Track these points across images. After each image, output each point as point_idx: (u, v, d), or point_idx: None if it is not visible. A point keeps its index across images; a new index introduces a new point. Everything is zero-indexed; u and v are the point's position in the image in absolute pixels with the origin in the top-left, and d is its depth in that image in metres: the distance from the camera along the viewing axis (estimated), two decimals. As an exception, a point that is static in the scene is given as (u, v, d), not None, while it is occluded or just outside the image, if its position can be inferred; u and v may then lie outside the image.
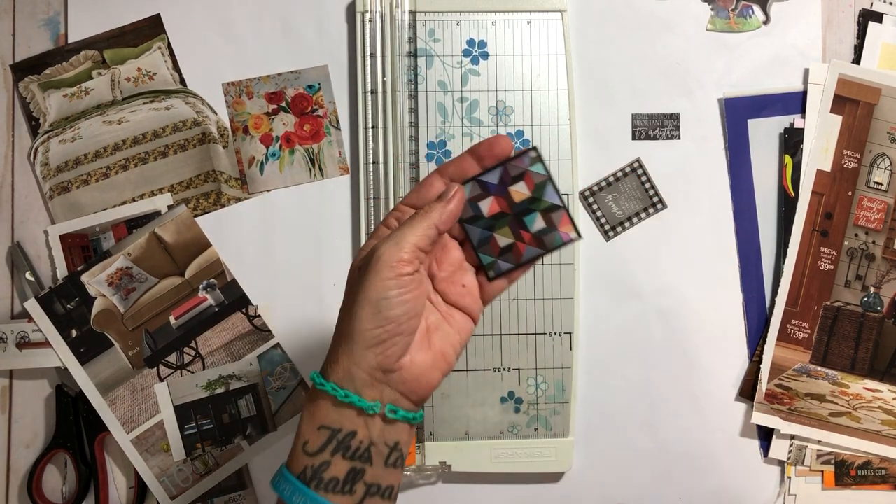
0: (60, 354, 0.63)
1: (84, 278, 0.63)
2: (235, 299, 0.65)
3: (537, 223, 0.46)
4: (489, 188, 0.45)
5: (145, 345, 0.63)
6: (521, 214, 0.46)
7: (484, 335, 0.64)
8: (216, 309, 0.64)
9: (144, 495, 0.64)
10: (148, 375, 0.64)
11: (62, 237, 0.64)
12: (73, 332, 0.63)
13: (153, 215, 0.64)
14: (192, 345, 0.64)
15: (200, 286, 0.64)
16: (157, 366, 0.64)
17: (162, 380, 0.64)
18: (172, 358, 0.64)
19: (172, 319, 0.64)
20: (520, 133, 0.64)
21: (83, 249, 0.64)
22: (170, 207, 0.64)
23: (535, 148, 0.46)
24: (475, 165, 0.45)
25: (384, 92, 0.64)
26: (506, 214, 0.46)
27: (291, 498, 0.40)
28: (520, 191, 0.45)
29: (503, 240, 0.46)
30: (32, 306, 0.63)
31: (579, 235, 0.46)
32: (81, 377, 0.63)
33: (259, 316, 0.65)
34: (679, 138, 0.66)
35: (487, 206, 0.46)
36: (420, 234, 0.42)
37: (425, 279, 0.43)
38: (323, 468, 0.40)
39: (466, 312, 0.45)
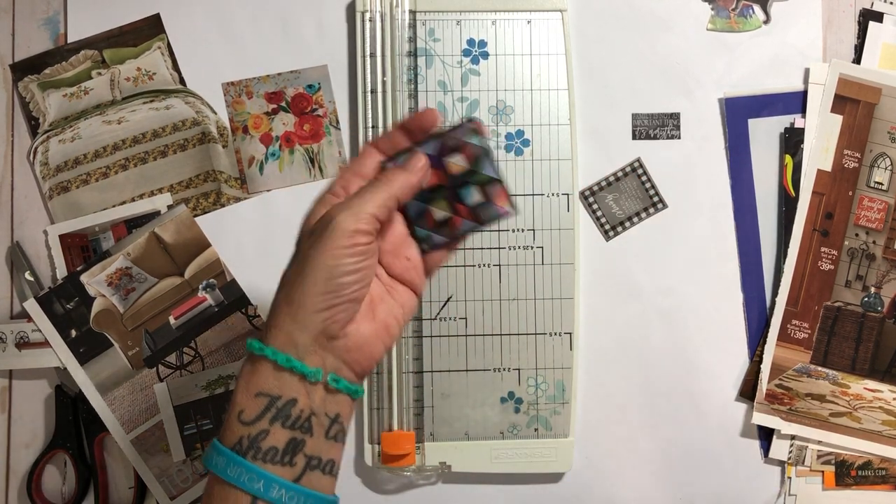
0: (60, 354, 0.63)
1: (83, 278, 0.63)
2: (235, 299, 0.65)
3: (474, 196, 0.45)
4: (433, 161, 0.45)
5: (145, 345, 0.63)
6: (458, 187, 0.45)
7: (484, 335, 0.64)
8: (216, 309, 0.64)
9: (144, 495, 0.64)
10: (147, 375, 0.64)
11: (62, 237, 0.64)
12: (73, 332, 0.63)
13: (153, 215, 0.64)
14: (192, 345, 0.64)
15: (200, 286, 0.64)
16: (156, 366, 0.64)
17: (162, 380, 0.64)
18: (172, 358, 0.64)
19: (172, 319, 0.64)
20: (520, 133, 0.64)
21: (83, 249, 0.64)
22: (169, 207, 0.64)
23: (472, 119, 0.45)
24: (405, 140, 0.44)
25: (384, 92, 0.63)
26: (442, 187, 0.45)
27: (226, 471, 0.38)
28: (457, 163, 0.45)
29: (439, 213, 0.45)
30: (32, 306, 0.63)
31: (515, 210, 0.46)
32: (81, 377, 0.63)
33: (259, 316, 0.65)
34: (679, 138, 0.66)
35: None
36: (380, 203, 0.41)
37: (377, 249, 0.43)
38: (261, 437, 0.38)
39: (410, 286, 0.44)
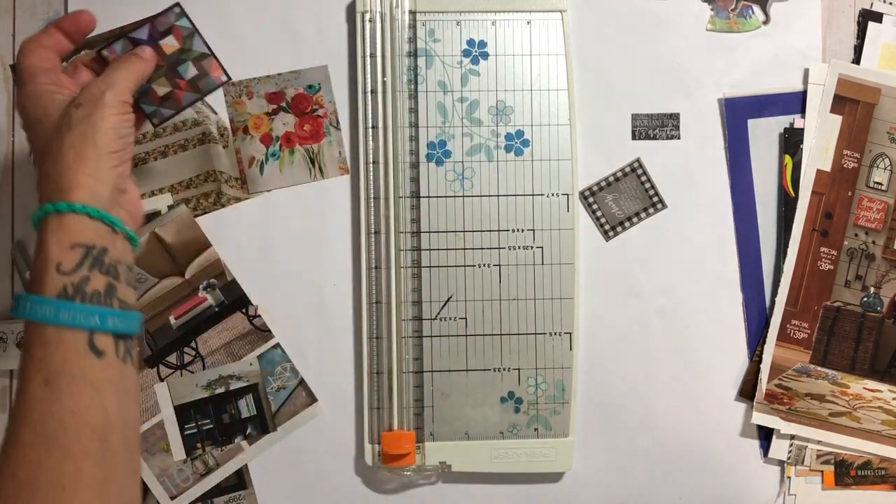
0: None
1: None
2: (235, 299, 0.65)
3: (190, 71, 0.54)
4: (140, 44, 0.53)
5: (145, 345, 0.63)
6: (175, 65, 0.53)
7: (484, 335, 0.64)
8: (216, 309, 0.64)
9: (144, 495, 0.64)
10: (148, 375, 0.64)
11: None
12: None
13: (153, 215, 0.64)
14: (192, 345, 0.64)
15: (200, 286, 0.64)
16: (157, 366, 0.64)
17: (162, 380, 0.64)
18: (172, 358, 0.64)
19: (172, 319, 0.64)
20: (520, 133, 0.64)
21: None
22: (170, 207, 0.65)
23: (177, 4, 0.53)
24: (65, 41, 0.51)
25: (384, 92, 0.64)
26: (160, 67, 0.53)
27: (57, 316, 0.41)
28: (170, 44, 0.53)
29: (161, 89, 0.53)
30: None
31: (229, 77, 0.54)
32: None
33: (259, 316, 0.65)
34: (679, 138, 0.66)
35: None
36: (130, 83, 0.49)
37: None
38: (84, 283, 0.42)
39: None
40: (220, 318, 0.65)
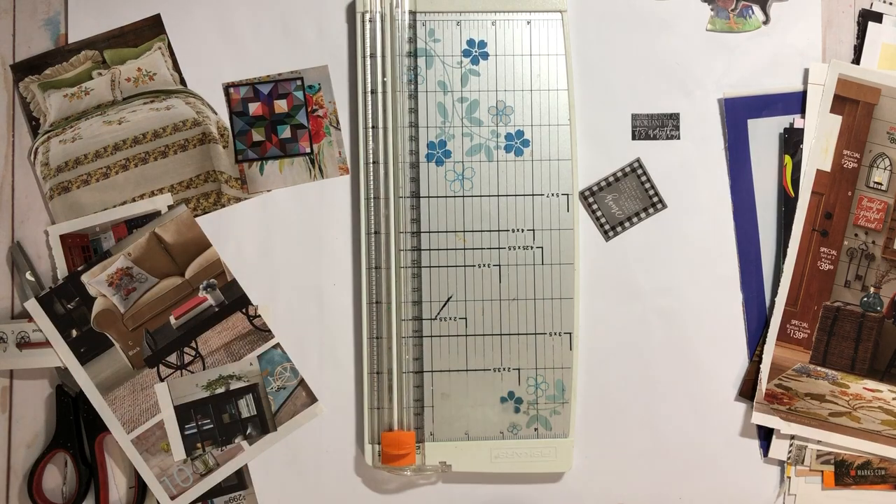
0: (61, 355, 0.63)
1: (84, 278, 0.63)
2: (235, 299, 0.65)
3: (285, 133, 0.64)
4: (260, 95, 0.63)
5: (145, 345, 0.64)
6: (276, 123, 0.64)
7: (484, 335, 0.64)
8: (216, 309, 0.65)
9: (144, 495, 0.64)
10: (148, 375, 0.64)
11: (62, 237, 0.64)
12: (74, 332, 0.63)
13: (153, 215, 0.64)
14: (193, 345, 0.64)
15: (200, 286, 0.64)
16: (157, 366, 0.64)
17: (162, 380, 0.64)
18: (173, 358, 0.64)
19: (173, 319, 0.64)
20: (520, 133, 0.64)
21: (83, 249, 0.64)
22: (170, 207, 0.65)
23: (301, 77, 0.63)
24: None
25: (384, 92, 0.64)
26: (264, 118, 0.64)
27: None
28: (281, 105, 0.64)
29: (257, 136, 0.64)
30: (33, 306, 0.63)
31: (312, 151, 0.63)
32: (82, 377, 0.63)
33: (259, 316, 0.65)
34: (679, 138, 0.66)
35: (254, 108, 0.64)
36: None
37: None
38: None
39: None
40: (220, 318, 0.65)
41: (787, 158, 0.65)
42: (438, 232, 0.64)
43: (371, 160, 0.63)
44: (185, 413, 0.64)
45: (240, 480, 0.65)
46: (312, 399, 0.65)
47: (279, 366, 0.65)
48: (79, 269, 0.63)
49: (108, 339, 0.64)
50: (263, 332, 0.65)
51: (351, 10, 0.66)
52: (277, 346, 0.65)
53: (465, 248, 0.64)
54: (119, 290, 0.64)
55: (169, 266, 0.64)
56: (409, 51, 0.64)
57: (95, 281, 0.63)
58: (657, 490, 0.65)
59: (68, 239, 0.64)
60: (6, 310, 0.65)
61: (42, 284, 0.64)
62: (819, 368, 0.65)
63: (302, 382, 0.65)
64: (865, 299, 0.65)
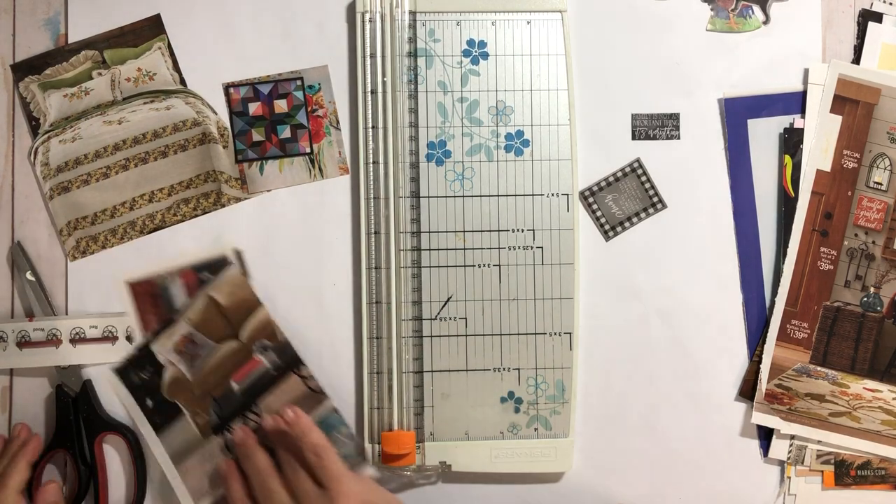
0: (139, 425, 0.62)
1: (154, 347, 0.63)
2: (288, 360, 0.63)
3: (285, 133, 0.63)
4: (260, 95, 0.63)
5: (212, 412, 0.62)
6: (276, 123, 0.64)
7: (484, 335, 0.64)
8: (273, 372, 0.63)
9: (144, 495, 0.64)
10: (216, 443, 0.63)
11: (132, 285, 0.63)
12: (149, 402, 0.62)
13: (221, 262, 0.63)
14: (255, 409, 0.63)
15: (254, 348, 0.63)
16: (223, 432, 0.63)
17: (229, 449, 0.62)
18: (238, 423, 0.62)
19: (234, 384, 0.63)
20: (520, 133, 0.64)
21: (153, 297, 0.63)
22: (236, 253, 0.64)
23: (301, 77, 0.63)
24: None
25: (384, 92, 0.64)
26: (264, 118, 0.64)
27: None
28: (280, 105, 0.63)
29: (257, 136, 0.64)
30: (110, 378, 0.62)
31: (312, 151, 0.63)
32: (158, 449, 0.62)
33: (313, 377, 0.63)
34: (679, 138, 0.66)
35: (254, 108, 0.64)
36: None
37: None
38: None
39: None
40: (276, 380, 0.63)
41: (787, 158, 0.65)
42: (438, 232, 0.64)
43: (371, 160, 0.63)
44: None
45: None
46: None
47: (336, 430, 0.63)
48: (148, 338, 0.62)
49: (179, 408, 0.63)
50: (318, 395, 0.63)
51: (351, 10, 0.66)
52: (335, 410, 0.63)
53: (465, 248, 0.64)
54: (185, 357, 0.63)
55: (225, 329, 0.63)
56: (409, 51, 0.64)
57: (165, 350, 0.62)
58: (657, 490, 0.65)
59: (137, 287, 0.63)
60: (6, 310, 0.65)
61: (42, 284, 0.64)
62: (819, 368, 0.65)
63: (359, 447, 0.63)
64: (865, 299, 0.65)
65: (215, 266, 0.64)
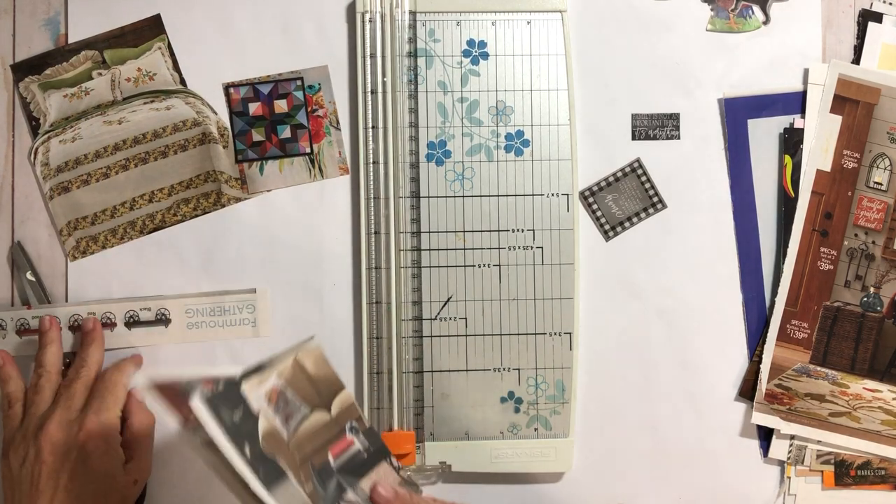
0: (239, 468, 0.51)
1: (244, 388, 0.52)
2: (378, 446, 0.57)
3: (285, 133, 0.64)
4: (260, 95, 0.63)
5: (317, 485, 0.53)
6: (276, 123, 0.64)
7: (484, 335, 0.64)
8: (364, 455, 0.56)
9: (144, 495, 0.64)
10: None
11: (157, 388, 0.52)
12: (247, 449, 0.51)
13: (230, 379, 0.54)
14: (355, 490, 0.55)
15: (346, 426, 0.56)
16: None
17: None
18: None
19: (331, 458, 0.55)
20: (520, 133, 0.64)
21: (182, 395, 0.51)
22: (245, 376, 0.55)
23: (301, 77, 0.63)
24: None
25: (384, 92, 0.64)
26: (264, 118, 0.64)
27: None
28: (280, 105, 0.64)
29: (257, 136, 0.64)
30: (198, 407, 0.49)
31: (312, 151, 0.63)
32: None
33: (404, 468, 0.61)
34: (679, 138, 0.66)
35: (254, 108, 0.64)
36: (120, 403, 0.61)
37: None
38: None
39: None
40: (370, 465, 0.56)
41: (787, 158, 0.65)
42: (438, 232, 0.64)
43: (371, 160, 0.63)
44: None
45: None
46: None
47: None
48: (240, 376, 0.52)
49: (279, 467, 0.52)
50: (413, 486, 0.59)
51: (351, 10, 0.66)
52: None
53: (465, 248, 0.64)
54: (279, 412, 0.54)
55: (315, 397, 0.56)
56: (409, 51, 0.64)
57: (256, 394, 0.53)
58: (657, 490, 0.66)
59: (160, 387, 0.52)
60: (6, 304, 0.65)
61: (43, 285, 0.64)
62: (819, 368, 0.65)
63: None
64: (865, 299, 0.65)
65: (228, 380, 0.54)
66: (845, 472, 0.65)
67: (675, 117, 0.66)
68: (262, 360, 0.52)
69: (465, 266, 0.64)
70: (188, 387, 0.47)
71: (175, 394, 0.47)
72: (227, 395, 0.50)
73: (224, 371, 0.52)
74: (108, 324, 0.64)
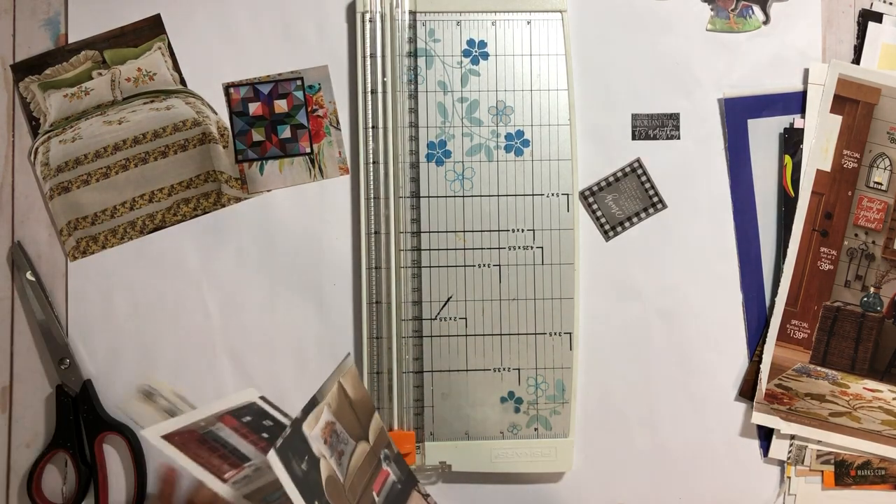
0: None
1: (305, 429, 0.48)
2: (407, 474, 0.56)
3: (285, 133, 0.64)
4: (260, 95, 0.63)
5: None
6: (276, 123, 0.63)
7: (484, 335, 0.64)
8: (399, 486, 0.55)
9: (144, 495, 0.64)
10: None
11: (167, 437, 0.50)
12: None
13: (250, 406, 0.56)
14: None
15: (382, 456, 0.55)
16: None
17: None
18: None
19: (375, 496, 0.53)
20: (520, 133, 0.64)
21: (200, 441, 0.51)
22: (263, 399, 0.55)
23: (301, 77, 0.63)
24: None
25: (384, 92, 0.64)
26: (264, 118, 0.64)
27: None
28: (280, 105, 0.63)
29: (257, 136, 0.64)
30: (273, 460, 0.45)
31: (312, 151, 0.63)
32: None
33: (430, 495, 0.57)
34: (679, 138, 0.66)
35: (254, 108, 0.64)
36: None
37: None
38: None
39: None
40: (404, 496, 0.55)
41: (787, 158, 0.65)
42: (438, 232, 0.64)
43: (371, 160, 0.63)
44: None
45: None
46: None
47: None
48: (302, 415, 0.49)
49: None
50: None
51: (351, 10, 0.66)
52: None
53: (465, 248, 0.64)
54: (333, 451, 0.51)
55: (357, 427, 0.53)
56: (409, 51, 0.64)
57: (314, 435, 0.49)
58: (657, 490, 0.65)
59: (175, 437, 0.51)
60: (6, 310, 0.65)
61: (43, 285, 0.64)
62: (819, 368, 0.65)
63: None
64: (865, 299, 0.65)
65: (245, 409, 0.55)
66: (845, 472, 0.65)
67: (675, 117, 0.66)
68: (314, 393, 0.49)
69: (465, 266, 0.64)
70: (206, 430, 0.47)
71: (194, 441, 0.45)
72: (293, 441, 0.47)
73: (236, 397, 0.54)
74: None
